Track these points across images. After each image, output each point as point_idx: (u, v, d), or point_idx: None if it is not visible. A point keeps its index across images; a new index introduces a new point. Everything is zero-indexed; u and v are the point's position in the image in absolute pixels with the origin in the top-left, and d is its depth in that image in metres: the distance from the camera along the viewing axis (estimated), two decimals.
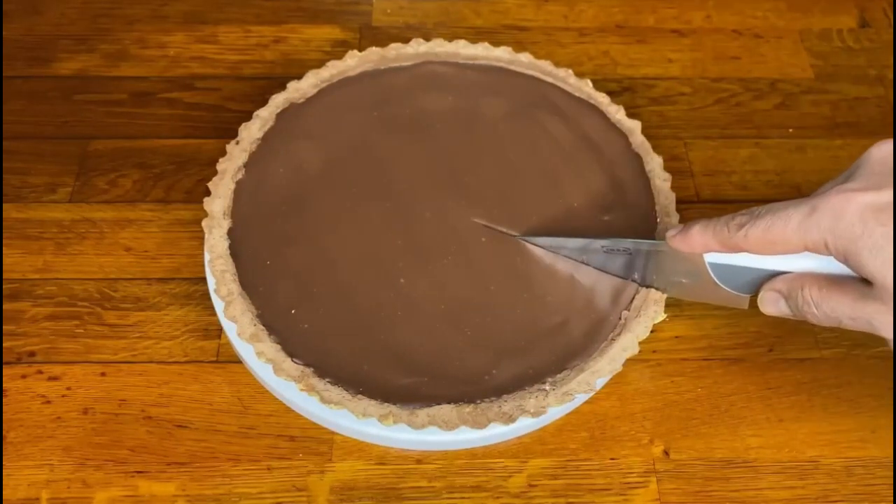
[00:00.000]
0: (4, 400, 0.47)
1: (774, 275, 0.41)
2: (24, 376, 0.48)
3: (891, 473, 0.45)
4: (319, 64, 0.58)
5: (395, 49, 0.59)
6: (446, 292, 0.48)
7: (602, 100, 0.57)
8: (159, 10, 0.66)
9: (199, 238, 0.52)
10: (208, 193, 0.51)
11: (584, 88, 0.58)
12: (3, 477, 0.44)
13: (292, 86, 0.57)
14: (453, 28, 0.65)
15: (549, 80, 0.58)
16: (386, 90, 0.57)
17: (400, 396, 0.44)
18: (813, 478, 0.45)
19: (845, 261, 0.37)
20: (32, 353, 0.48)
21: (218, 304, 0.48)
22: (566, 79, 0.58)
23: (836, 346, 0.50)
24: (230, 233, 0.50)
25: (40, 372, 0.48)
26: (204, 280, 0.51)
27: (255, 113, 0.55)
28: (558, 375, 0.45)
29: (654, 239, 0.51)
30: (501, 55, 0.59)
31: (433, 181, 0.53)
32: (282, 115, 0.55)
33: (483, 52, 0.59)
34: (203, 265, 0.50)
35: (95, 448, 0.45)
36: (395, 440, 0.45)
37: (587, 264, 0.49)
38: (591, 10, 0.67)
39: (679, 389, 0.48)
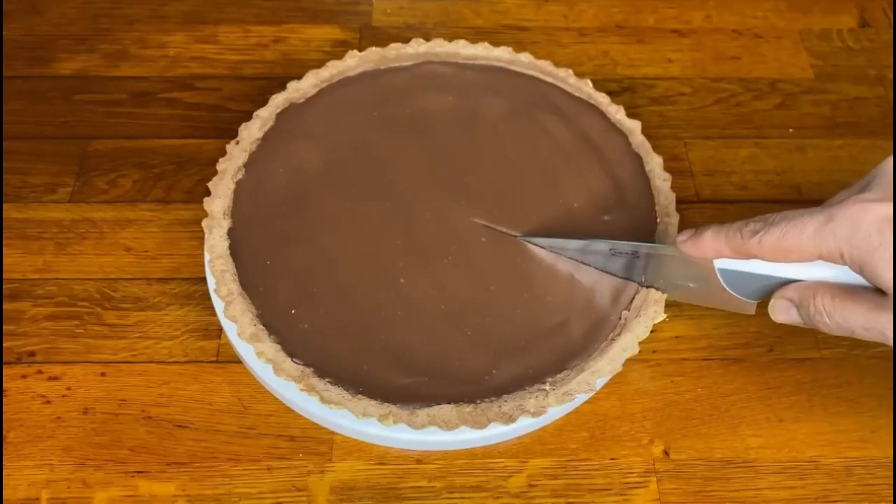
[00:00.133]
0: (4, 400, 0.47)
1: (785, 283, 0.41)
2: (24, 376, 0.48)
3: (891, 473, 0.45)
4: (319, 64, 0.58)
5: (395, 49, 0.59)
6: (446, 292, 0.48)
7: (602, 100, 0.57)
8: (159, 10, 0.66)
9: (199, 238, 0.52)
10: (208, 193, 0.51)
11: (584, 88, 0.58)
12: (3, 477, 0.44)
13: (292, 86, 0.57)
14: (453, 28, 0.65)
15: (549, 80, 0.58)
16: (386, 90, 0.57)
17: (400, 396, 0.44)
18: (813, 478, 0.45)
19: (860, 271, 0.37)
20: (32, 353, 0.48)
21: (218, 304, 0.48)
22: (566, 79, 0.58)
23: (836, 346, 0.50)
24: (230, 233, 0.50)
25: (40, 372, 0.48)
26: (204, 280, 0.51)
27: (255, 113, 0.55)
28: (558, 375, 0.45)
29: (654, 238, 0.51)
30: (501, 55, 0.59)
31: (433, 181, 0.53)
32: (282, 115, 0.55)
33: (483, 52, 0.59)
34: (203, 265, 0.50)
35: (95, 448, 0.45)
36: (395, 440, 0.45)
37: (589, 265, 0.49)
38: (591, 10, 0.67)
39: (679, 389, 0.48)
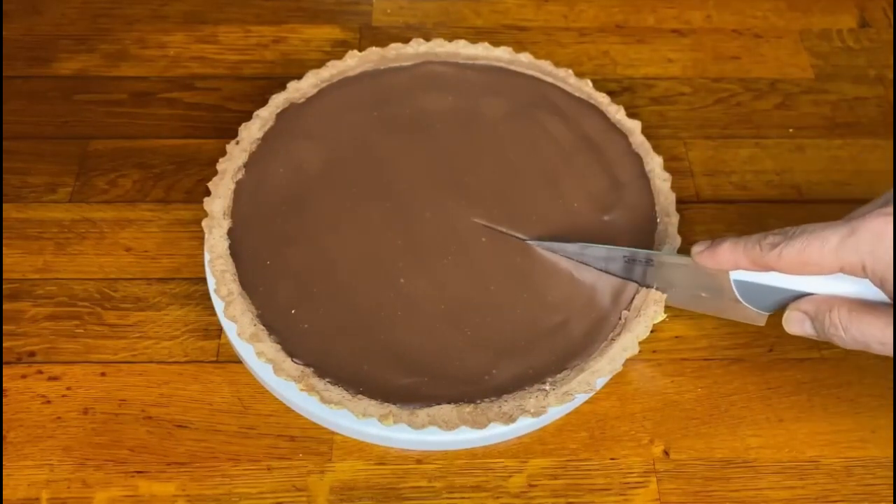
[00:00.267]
0: (4, 400, 0.47)
1: (800, 295, 0.41)
2: (24, 376, 0.48)
3: (891, 473, 0.45)
4: (319, 64, 0.58)
5: (395, 49, 0.59)
6: (446, 292, 0.48)
7: (602, 100, 0.57)
8: (159, 10, 0.66)
9: (199, 238, 0.52)
10: (208, 193, 0.51)
11: (584, 88, 0.58)
12: (3, 477, 0.44)
13: (292, 86, 0.57)
14: (453, 28, 0.65)
15: (549, 80, 0.58)
16: (386, 90, 0.57)
17: (400, 396, 0.44)
18: (813, 478, 0.45)
19: (881, 285, 0.37)
20: (32, 353, 0.48)
21: (218, 304, 0.48)
22: (566, 79, 0.58)
23: (837, 347, 0.49)
24: (230, 233, 0.50)
25: (40, 372, 0.48)
26: (204, 280, 0.51)
27: (255, 113, 0.55)
28: (558, 375, 0.45)
29: (654, 239, 0.51)
30: (501, 55, 0.59)
31: (433, 181, 0.53)
32: (282, 115, 0.55)
33: (483, 52, 0.59)
34: (203, 265, 0.50)
35: (95, 448, 0.45)
36: (395, 440, 0.45)
37: (589, 265, 0.49)
38: (591, 10, 0.67)
39: (679, 389, 0.48)
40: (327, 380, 0.45)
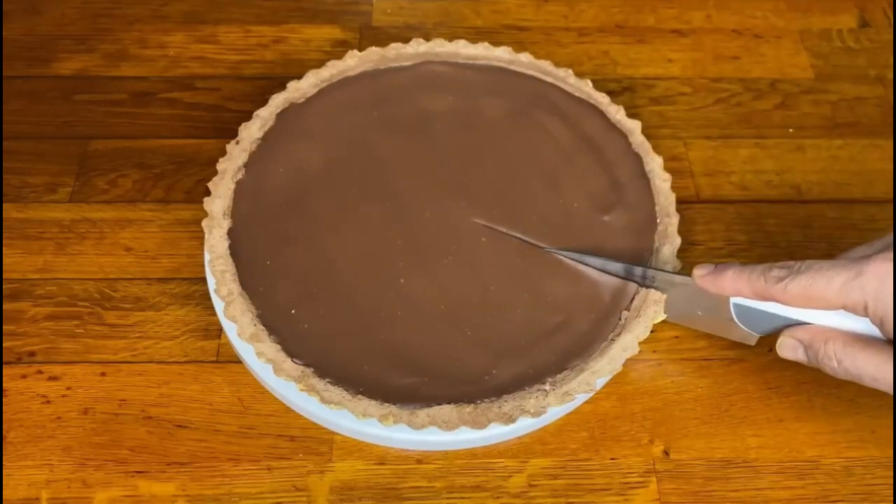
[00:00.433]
0: (4, 400, 0.47)
1: (798, 323, 0.42)
2: (24, 376, 0.48)
3: (891, 473, 0.45)
4: (319, 64, 0.58)
5: (395, 49, 0.59)
6: (446, 292, 0.48)
7: (602, 100, 0.57)
8: (159, 10, 0.66)
9: (199, 238, 0.52)
10: (208, 193, 0.51)
11: (584, 88, 0.58)
12: (3, 477, 0.44)
13: (292, 86, 0.57)
14: (453, 28, 0.65)
15: (549, 80, 0.58)
16: (386, 90, 0.57)
17: (400, 396, 0.44)
18: (813, 478, 0.45)
19: (881, 324, 0.39)
20: (32, 353, 0.48)
21: (218, 304, 0.48)
22: (566, 79, 0.58)
23: None
24: (230, 233, 0.50)
25: (40, 372, 0.48)
26: (204, 280, 0.51)
27: (255, 113, 0.55)
28: (558, 375, 0.45)
29: (654, 238, 0.51)
30: (501, 55, 0.59)
31: (433, 181, 0.53)
32: (282, 115, 0.55)
33: (483, 52, 0.59)
34: (203, 265, 0.50)
35: (95, 448, 0.45)
36: (395, 440, 0.45)
37: (589, 265, 0.49)
38: (591, 10, 0.67)
39: (679, 389, 0.48)
40: (327, 380, 0.45)
